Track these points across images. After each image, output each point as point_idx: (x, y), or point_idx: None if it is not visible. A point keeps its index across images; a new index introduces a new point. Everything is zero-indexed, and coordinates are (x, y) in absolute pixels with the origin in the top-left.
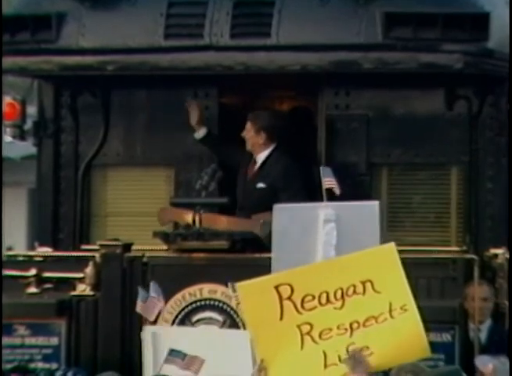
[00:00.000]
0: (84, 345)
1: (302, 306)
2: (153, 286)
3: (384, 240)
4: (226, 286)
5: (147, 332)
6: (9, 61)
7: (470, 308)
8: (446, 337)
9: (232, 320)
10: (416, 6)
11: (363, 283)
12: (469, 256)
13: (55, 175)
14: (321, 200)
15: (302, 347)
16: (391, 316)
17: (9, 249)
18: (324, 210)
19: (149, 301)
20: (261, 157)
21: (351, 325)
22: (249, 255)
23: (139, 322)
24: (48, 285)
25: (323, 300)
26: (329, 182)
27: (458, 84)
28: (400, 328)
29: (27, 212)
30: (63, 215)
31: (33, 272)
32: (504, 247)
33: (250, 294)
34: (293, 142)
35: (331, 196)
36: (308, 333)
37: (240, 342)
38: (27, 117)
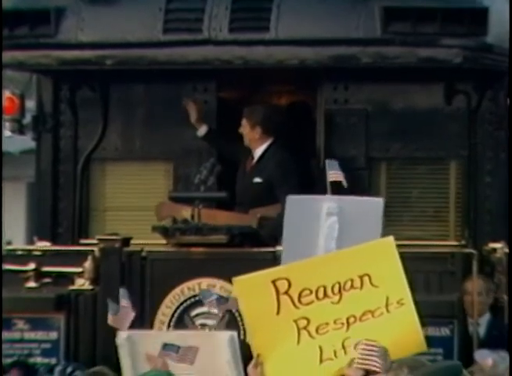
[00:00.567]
0: (83, 340)
1: (299, 301)
2: (122, 293)
3: (382, 234)
4: (225, 280)
5: (122, 337)
6: (8, 55)
7: (465, 302)
8: (445, 331)
9: (231, 315)
10: (414, 1)
11: (361, 277)
12: (467, 250)
13: (54, 170)
14: (320, 193)
15: (298, 342)
16: (388, 311)
17: (8, 243)
18: (327, 203)
19: (121, 312)
20: (258, 151)
21: (347, 320)
22: (247, 249)
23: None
24: (47, 279)
25: (321, 294)
26: (334, 175)
27: (457, 78)
28: (396, 323)
29: (26, 207)
30: (62, 210)
31: (32, 266)
32: (503, 242)
33: (246, 289)
34: (292, 137)
35: (335, 189)
36: (305, 328)
37: (219, 343)
38: (25, 111)
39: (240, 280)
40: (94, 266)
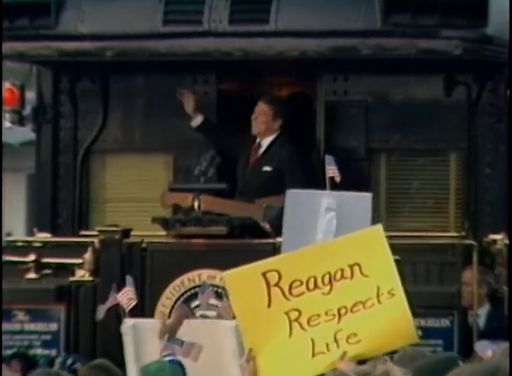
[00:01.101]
0: (83, 331)
1: (290, 292)
2: (129, 280)
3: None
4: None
5: (127, 325)
6: (8, 47)
7: (460, 292)
8: (445, 322)
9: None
10: None
11: (351, 266)
12: (468, 242)
13: (54, 161)
14: (321, 186)
15: (290, 335)
16: (379, 301)
17: (8, 235)
18: (327, 198)
19: (125, 290)
20: (266, 141)
21: (339, 311)
22: (247, 241)
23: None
24: (47, 271)
25: (311, 285)
26: (332, 170)
27: (457, 70)
28: (387, 314)
29: (26, 198)
30: (62, 201)
31: (32, 257)
32: (503, 233)
33: (237, 283)
34: (293, 128)
35: (334, 184)
36: (297, 319)
37: (223, 332)
38: (26, 102)
39: (230, 274)
40: (94, 258)
